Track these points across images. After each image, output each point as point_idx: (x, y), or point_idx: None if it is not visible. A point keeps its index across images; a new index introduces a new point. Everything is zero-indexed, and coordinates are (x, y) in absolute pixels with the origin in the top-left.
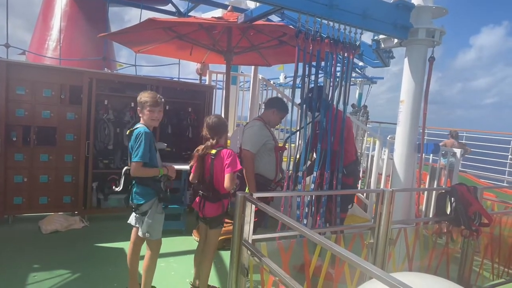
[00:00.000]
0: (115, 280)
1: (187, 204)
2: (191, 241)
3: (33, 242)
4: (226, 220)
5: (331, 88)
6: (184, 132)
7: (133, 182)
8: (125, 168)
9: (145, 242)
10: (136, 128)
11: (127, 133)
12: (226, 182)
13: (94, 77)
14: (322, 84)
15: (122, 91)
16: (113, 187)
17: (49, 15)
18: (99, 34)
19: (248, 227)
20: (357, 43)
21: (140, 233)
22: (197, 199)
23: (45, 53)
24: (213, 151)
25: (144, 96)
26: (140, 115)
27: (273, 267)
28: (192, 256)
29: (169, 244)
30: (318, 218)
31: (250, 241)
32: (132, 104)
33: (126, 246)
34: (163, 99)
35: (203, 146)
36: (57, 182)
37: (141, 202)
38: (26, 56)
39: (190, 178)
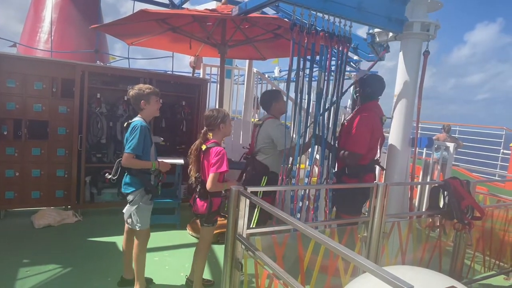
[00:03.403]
0: (108, 274)
1: (181, 198)
2: (186, 235)
3: (26, 236)
4: (221, 214)
5: (325, 82)
6: (178, 126)
7: (125, 172)
8: (119, 159)
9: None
10: (133, 121)
11: (124, 125)
12: (208, 182)
13: (86, 70)
14: (316, 78)
15: (115, 84)
16: (107, 175)
17: (40, 7)
18: (91, 26)
19: (243, 222)
20: (347, 34)
21: (128, 223)
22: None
23: (36, 45)
24: (204, 147)
25: (146, 88)
26: (143, 107)
27: (267, 261)
28: (186, 250)
29: (163, 238)
30: (312, 212)
31: (244, 235)
32: (125, 98)
33: (120, 240)
34: None
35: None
36: (50, 176)
37: (128, 191)
38: (17, 48)
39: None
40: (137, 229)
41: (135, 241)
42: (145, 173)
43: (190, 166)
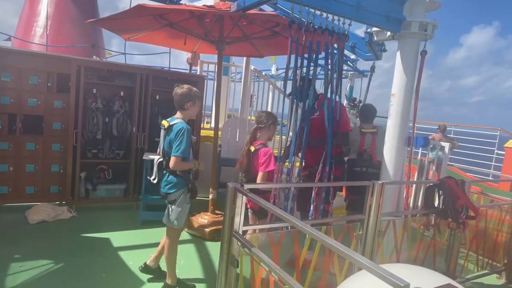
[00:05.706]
0: (103, 270)
1: None
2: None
3: (20, 232)
4: (217, 212)
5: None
6: None
7: (165, 172)
8: (157, 159)
9: (166, 229)
10: (176, 123)
11: (166, 126)
12: (258, 180)
13: (82, 65)
14: (314, 76)
15: (111, 80)
16: (148, 177)
17: (36, 0)
18: (88, 20)
19: (239, 219)
20: (345, 31)
21: (164, 220)
22: None
23: (32, 39)
24: (252, 148)
25: (195, 90)
26: (187, 108)
27: (263, 258)
28: (181, 246)
29: (159, 234)
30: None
31: (240, 232)
32: (122, 93)
33: (114, 236)
34: None
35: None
36: (44, 171)
37: (172, 191)
38: (12, 42)
39: (236, 168)
40: (175, 226)
41: (167, 240)
42: (186, 172)
43: (240, 166)
